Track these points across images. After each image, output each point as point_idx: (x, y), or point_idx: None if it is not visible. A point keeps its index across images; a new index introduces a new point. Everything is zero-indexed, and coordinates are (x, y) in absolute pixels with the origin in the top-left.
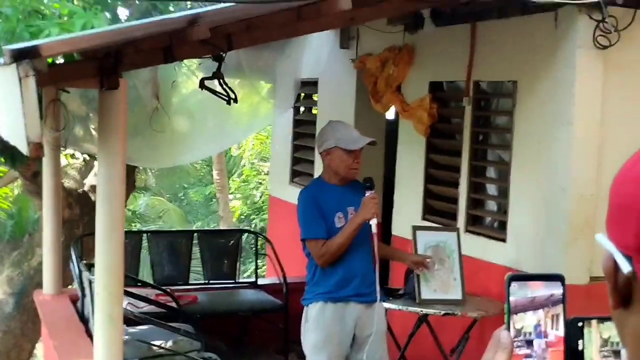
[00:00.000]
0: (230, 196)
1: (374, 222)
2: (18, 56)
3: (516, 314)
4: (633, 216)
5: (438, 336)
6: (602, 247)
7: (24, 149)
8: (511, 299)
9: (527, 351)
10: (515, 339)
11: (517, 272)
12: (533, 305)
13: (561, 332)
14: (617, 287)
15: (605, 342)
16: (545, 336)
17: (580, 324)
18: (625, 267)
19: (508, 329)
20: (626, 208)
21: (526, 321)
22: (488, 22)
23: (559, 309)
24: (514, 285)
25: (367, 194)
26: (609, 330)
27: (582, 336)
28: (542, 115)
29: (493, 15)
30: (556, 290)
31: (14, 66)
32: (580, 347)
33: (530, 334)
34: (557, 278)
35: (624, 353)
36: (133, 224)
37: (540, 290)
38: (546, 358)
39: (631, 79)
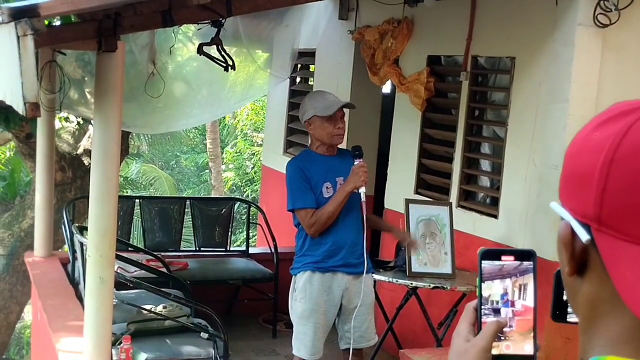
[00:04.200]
0: (223, 166)
1: (363, 190)
2: (16, 15)
3: (484, 282)
4: (592, 185)
5: (427, 309)
6: (558, 215)
7: (20, 108)
8: (482, 268)
9: (494, 319)
10: (483, 307)
11: (503, 248)
12: (501, 273)
13: (529, 301)
14: (573, 255)
15: None
16: (512, 305)
17: None
18: (584, 235)
19: (480, 301)
20: (584, 177)
21: (493, 289)
22: None
23: (527, 278)
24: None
25: (356, 162)
26: None
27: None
28: (538, 92)
29: None
30: (525, 260)
31: (12, 25)
32: (564, 297)
33: (497, 302)
34: (528, 254)
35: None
36: (124, 190)
37: (509, 260)
38: (513, 327)
39: (628, 59)
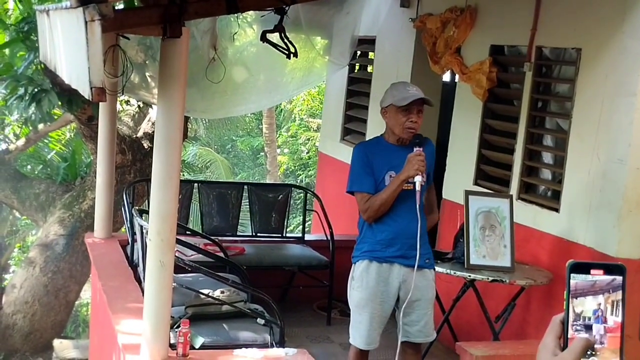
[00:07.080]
0: (278, 150)
1: (418, 180)
2: (84, 0)
3: (576, 297)
4: None
5: (484, 302)
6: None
7: (86, 93)
8: (572, 282)
9: (586, 336)
10: (574, 323)
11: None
12: (594, 289)
13: (620, 318)
14: None
15: None
16: (605, 321)
17: None
18: None
19: (567, 314)
20: None
21: (586, 306)
22: None
23: (619, 294)
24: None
25: (414, 150)
26: None
27: None
28: (604, 85)
29: None
30: (617, 275)
31: (80, 10)
32: None
33: (589, 318)
34: (618, 268)
35: None
36: (181, 173)
37: (601, 275)
38: (604, 344)
39: None
